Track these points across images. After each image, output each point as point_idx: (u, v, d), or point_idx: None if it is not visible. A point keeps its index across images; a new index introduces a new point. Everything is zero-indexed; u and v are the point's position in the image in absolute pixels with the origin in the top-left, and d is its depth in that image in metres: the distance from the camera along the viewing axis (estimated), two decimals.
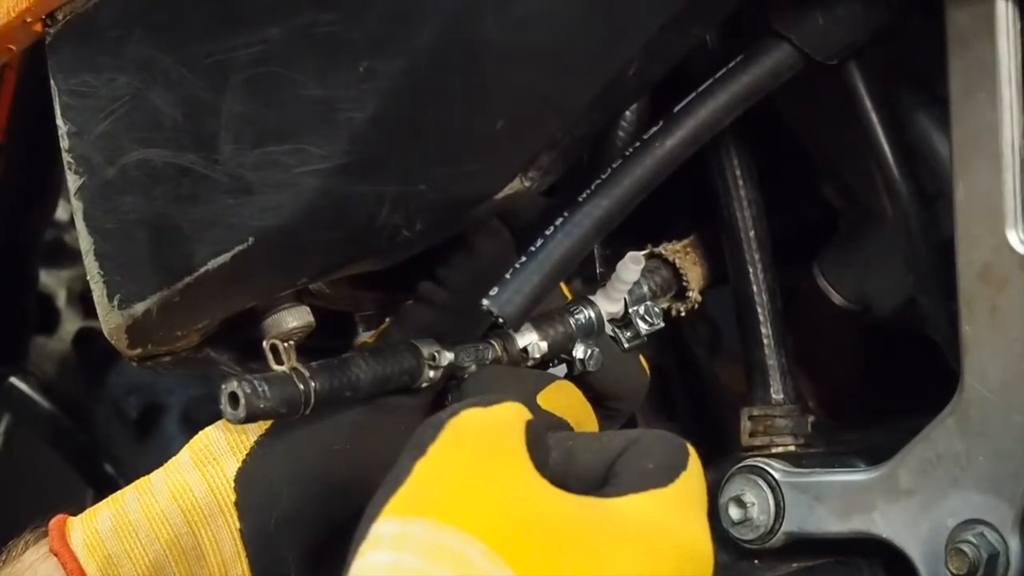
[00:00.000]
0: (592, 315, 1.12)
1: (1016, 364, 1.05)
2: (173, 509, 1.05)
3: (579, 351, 1.11)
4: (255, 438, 1.06)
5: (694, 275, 1.23)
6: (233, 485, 1.05)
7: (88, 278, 1.13)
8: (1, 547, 1.07)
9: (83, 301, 2.00)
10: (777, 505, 1.15)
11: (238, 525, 1.05)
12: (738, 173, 1.22)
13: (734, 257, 1.22)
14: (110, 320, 1.12)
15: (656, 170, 1.08)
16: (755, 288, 1.21)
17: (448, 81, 0.99)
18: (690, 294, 1.22)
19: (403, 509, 0.85)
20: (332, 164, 1.01)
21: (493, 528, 0.85)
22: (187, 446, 1.08)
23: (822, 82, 1.14)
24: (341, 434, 1.05)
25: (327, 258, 1.05)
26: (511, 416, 0.91)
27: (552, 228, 1.06)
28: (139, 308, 1.10)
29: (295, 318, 1.09)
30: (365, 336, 1.20)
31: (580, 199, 1.07)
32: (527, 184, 1.02)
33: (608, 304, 1.13)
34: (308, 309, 1.10)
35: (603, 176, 1.08)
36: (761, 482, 1.16)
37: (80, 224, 1.12)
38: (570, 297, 1.15)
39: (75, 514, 1.08)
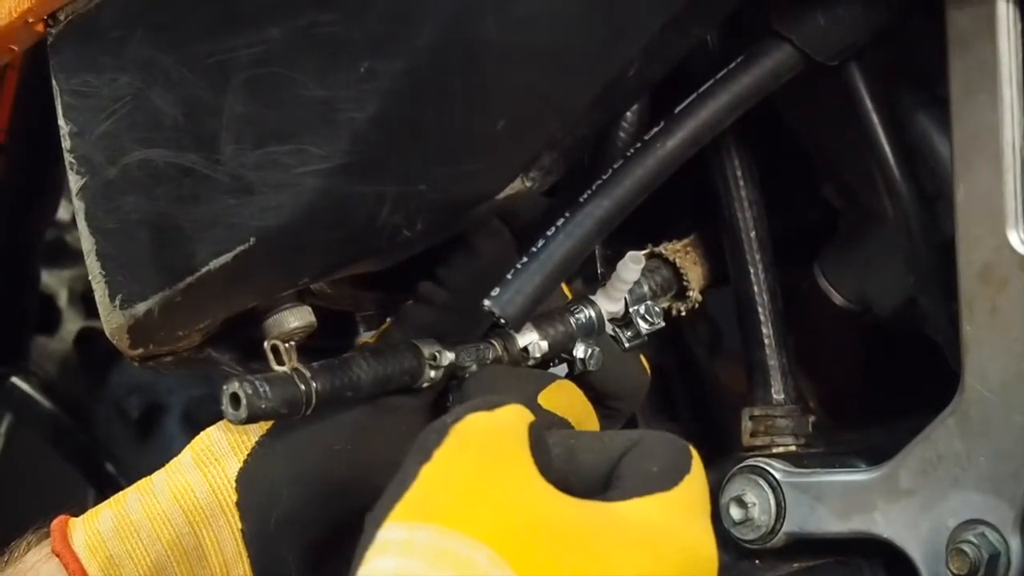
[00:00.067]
0: (592, 314, 1.12)
1: (1016, 364, 1.05)
2: (175, 509, 1.06)
3: (580, 350, 1.11)
4: (256, 438, 1.06)
5: (694, 275, 1.23)
6: (235, 485, 1.05)
7: (90, 278, 1.13)
8: (3, 548, 1.07)
9: (84, 301, 2.00)
10: (778, 505, 1.15)
11: (240, 525, 1.05)
12: (739, 173, 1.22)
13: (735, 257, 1.22)
14: (112, 320, 1.12)
15: (657, 170, 1.08)
16: (756, 288, 1.21)
17: (448, 81, 0.99)
18: (690, 294, 1.22)
19: (409, 515, 0.85)
20: (333, 164, 1.01)
21: (499, 533, 0.85)
22: (189, 447, 1.08)
23: (822, 83, 1.14)
24: (342, 434, 1.05)
25: (328, 258, 1.05)
26: (515, 419, 0.91)
27: (553, 228, 1.06)
28: (141, 308, 1.10)
29: (296, 318, 1.09)
30: (366, 336, 1.20)
31: (581, 199, 1.07)
32: (528, 184, 1.02)
33: (608, 304, 1.13)
34: (309, 309, 1.10)
35: (604, 176, 1.08)
36: (762, 482, 1.16)
37: (82, 224, 1.12)
38: (570, 297, 1.15)
39: (77, 514, 1.08)
